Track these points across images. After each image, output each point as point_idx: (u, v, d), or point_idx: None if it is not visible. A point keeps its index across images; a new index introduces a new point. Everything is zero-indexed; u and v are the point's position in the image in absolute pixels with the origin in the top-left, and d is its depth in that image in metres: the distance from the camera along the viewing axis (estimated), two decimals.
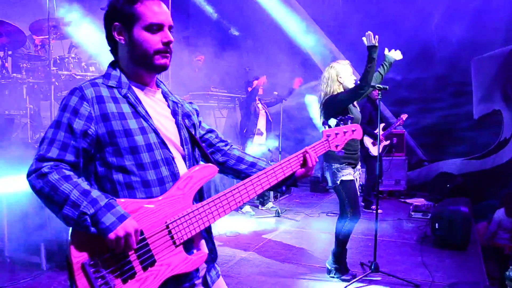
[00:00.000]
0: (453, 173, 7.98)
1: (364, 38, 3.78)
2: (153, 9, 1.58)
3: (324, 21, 9.19)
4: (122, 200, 1.49)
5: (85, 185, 1.45)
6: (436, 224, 5.25)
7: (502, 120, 7.94)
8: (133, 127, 1.55)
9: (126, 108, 1.57)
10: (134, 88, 1.63)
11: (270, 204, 7.08)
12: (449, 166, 8.29)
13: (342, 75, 4.00)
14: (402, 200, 7.70)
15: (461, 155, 8.23)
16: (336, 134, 2.01)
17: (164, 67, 1.62)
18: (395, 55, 4.22)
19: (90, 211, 1.39)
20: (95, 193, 1.44)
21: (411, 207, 6.87)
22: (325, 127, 2.01)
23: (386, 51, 4.24)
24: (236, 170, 1.87)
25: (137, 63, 1.61)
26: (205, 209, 1.60)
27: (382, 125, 6.71)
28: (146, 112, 1.60)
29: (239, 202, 1.67)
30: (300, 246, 5.14)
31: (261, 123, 6.94)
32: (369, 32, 3.77)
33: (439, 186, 7.53)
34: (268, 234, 5.64)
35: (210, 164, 1.68)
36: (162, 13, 1.60)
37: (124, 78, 1.62)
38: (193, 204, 1.61)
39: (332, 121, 2.02)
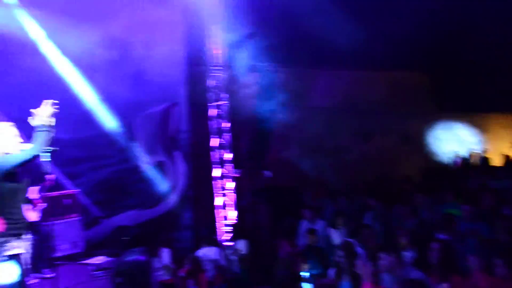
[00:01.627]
0: (129, 225, 8.27)
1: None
2: None
3: None
4: None
5: None
6: (119, 279, 5.28)
7: (166, 170, 8.83)
8: None
9: None
10: None
11: None
12: (125, 219, 8.54)
13: None
14: (82, 262, 7.39)
15: (135, 207, 8.64)
16: None
17: None
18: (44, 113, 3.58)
19: None
20: None
21: (92, 267, 6.66)
22: None
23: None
24: None
25: None
26: None
27: (36, 188, 6.25)
28: None
29: None
30: None
31: None
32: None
33: (118, 241, 7.64)
34: None
35: None
36: None
37: None
38: None
39: None
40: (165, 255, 7.04)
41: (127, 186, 8.62)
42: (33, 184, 6.16)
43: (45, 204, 6.73)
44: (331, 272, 5.04)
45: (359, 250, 5.28)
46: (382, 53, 19.12)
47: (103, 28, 8.57)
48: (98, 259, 7.17)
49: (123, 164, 8.65)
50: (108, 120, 8.60)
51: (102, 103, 8.57)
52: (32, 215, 6.22)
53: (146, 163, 8.78)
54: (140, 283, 5.33)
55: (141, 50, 8.78)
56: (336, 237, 7.20)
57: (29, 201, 6.11)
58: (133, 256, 5.52)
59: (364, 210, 8.90)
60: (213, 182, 9.45)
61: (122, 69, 8.63)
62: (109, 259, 7.02)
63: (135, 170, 8.70)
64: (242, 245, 7.79)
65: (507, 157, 15.85)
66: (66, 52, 8.32)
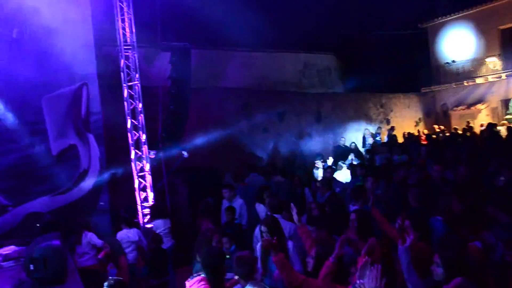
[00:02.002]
0: (42, 212, 7.86)
1: None
2: None
3: None
4: None
5: None
6: (31, 266, 5.01)
7: (78, 153, 8.46)
8: None
9: None
10: None
11: None
12: (37, 206, 8.08)
13: None
14: None
15: (47, 193, 8.18)
16: None
17: None
18: None
19: None
20: None
21: (0, 257, 6.28)
22: None
23: None
24: None
25: None
26: None
27: None
28: None
29: None
30: None
31: None
32: None
33: (29, 228, 7.24)
34: None
35: None
36: None
37: None
38: None
39: None
40: (91, 239, 6.88)
41: (36, 171, 8.11)
42: None
43: None
44: (258, 246, 5.15)
45: (283, 224, 5.44)
46: (295, 35, 19.77)
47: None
48: (7, 249, 6.76)
49: (31, 148, 8.12)
50: (10, 102, 8.01)
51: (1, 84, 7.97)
52: None
53: (56, 147, 8.34)
54: (53, 269, 5.08)
55: (45, 28, 8.27)
56: (262, 212, 7.37)
57: None
58: (46, 241, 5.25)
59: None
60: (129, 164, 9.26)
61: (24, 48, 8.09)
62: (19, 248, 6.66)
63: (45, 155, 8.22)
64: (157, 225, 7.76)
65: (408, 134, 17.21)
66: None
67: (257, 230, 5.78)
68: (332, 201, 7.40)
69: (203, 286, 3.83)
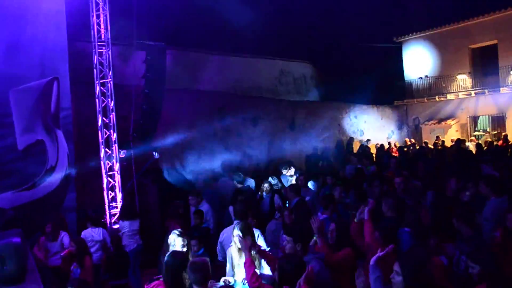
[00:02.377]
0: (5, 208, 7.60)
1: None
2: None
3: None
4: None
5: None
6: None
7: (46, 149, 8.21)
8: None
9: None
10: None
11: None
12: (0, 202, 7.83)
13: None
14: None
15: (10, 188, 7.90)
16: None
17: None
18: None
19: None
20: None
21: None
22: None
23: None
24: None
25: None
26: None
27: None
28: None
29: None
30: None
31: None
32: None
33: None
34: None
35: None
36: None
37: None
38: None
39: None
40: (63, 238, 6.73)
41: (1, 165, 7.84)
42: None
43: None
44: (228, 251, 5.08)
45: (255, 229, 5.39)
46: (272, 42, 19.86)
47: None
48: None
49: None
50: None
51: None
52: None
53: (23, 142, 8.08)
54: (12, 267, 4.89)
55: (16, 17, 8.05)
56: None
57: None
58: (7, 238, 5.06)
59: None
60: (99, 162, 9.08)
61: None
62: None
63: (10, 149, 7.95)
64: (123, 225, 7.63)
65: (380, 145, 17.44)
66: None
67: (226, 235, 5.71)
68: (299, 208, 7.39)
69: None
